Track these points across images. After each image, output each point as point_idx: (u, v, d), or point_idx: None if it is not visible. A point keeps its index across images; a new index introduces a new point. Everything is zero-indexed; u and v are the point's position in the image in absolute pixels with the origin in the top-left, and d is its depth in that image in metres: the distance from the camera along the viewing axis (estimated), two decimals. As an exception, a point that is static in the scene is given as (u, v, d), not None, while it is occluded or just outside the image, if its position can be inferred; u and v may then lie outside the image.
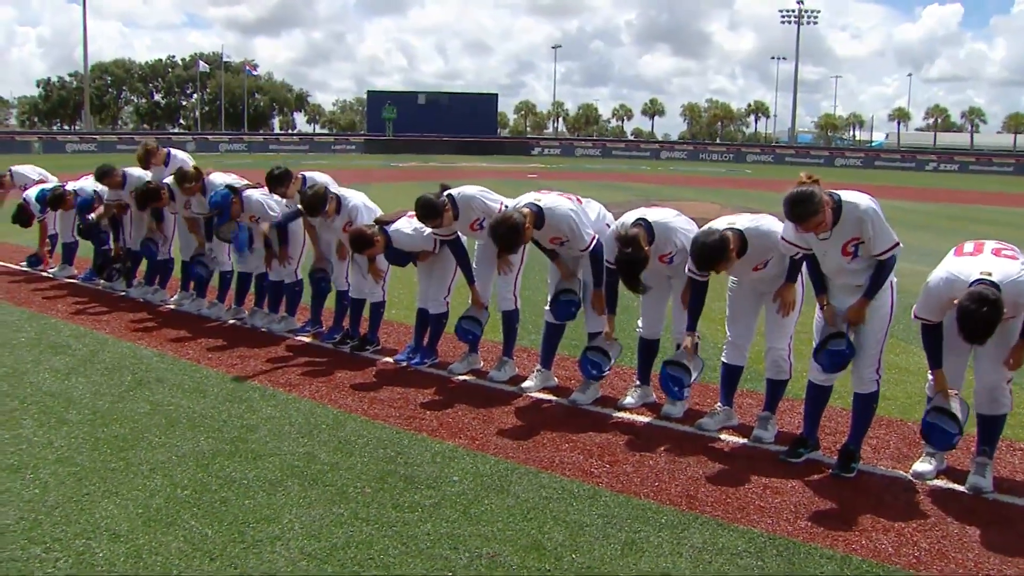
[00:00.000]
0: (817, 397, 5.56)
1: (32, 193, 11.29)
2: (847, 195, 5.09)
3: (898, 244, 5.10)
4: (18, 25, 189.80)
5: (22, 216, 11.47)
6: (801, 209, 4.93)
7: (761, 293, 5.83)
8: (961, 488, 5.11)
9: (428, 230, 6.96)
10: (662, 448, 5.70)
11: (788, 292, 5.62)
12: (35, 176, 12.11)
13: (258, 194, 8.49)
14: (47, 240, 11.98)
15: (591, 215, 6.54)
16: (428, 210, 6.67)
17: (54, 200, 10.81)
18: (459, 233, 7.03)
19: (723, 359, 6.11)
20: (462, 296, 7.41)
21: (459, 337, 7.28)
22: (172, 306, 9.68)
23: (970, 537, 4.53)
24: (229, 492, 4.81)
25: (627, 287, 5.90)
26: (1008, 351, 4.98)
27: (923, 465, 5.32)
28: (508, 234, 6.16)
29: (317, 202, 7.50)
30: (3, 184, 12.28)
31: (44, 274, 11.73)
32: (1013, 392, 5.18)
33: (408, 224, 7.18)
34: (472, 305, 7.14)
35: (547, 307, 6.77)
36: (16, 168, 12.40)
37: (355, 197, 7.81)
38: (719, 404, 6.14)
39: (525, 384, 6.86)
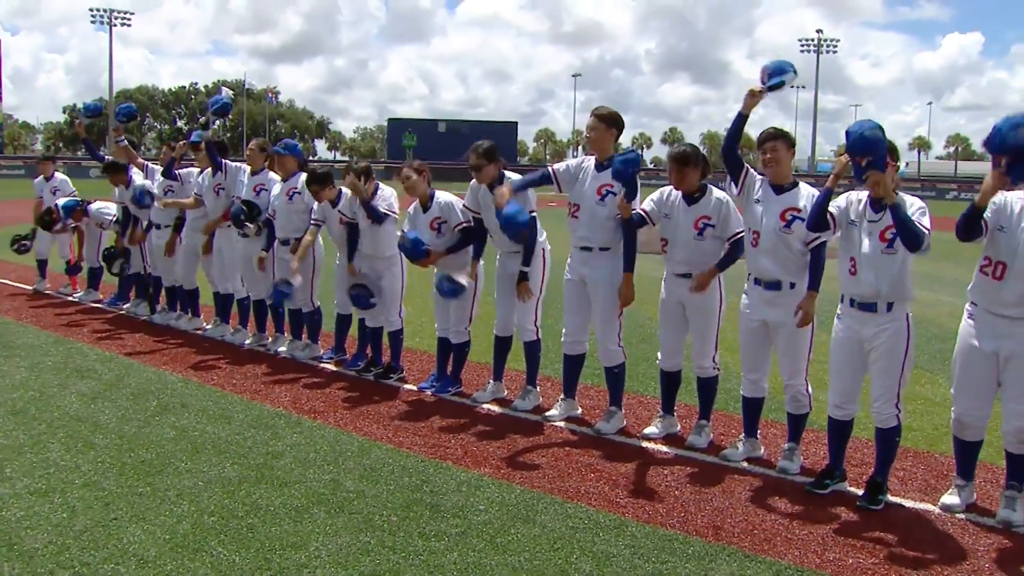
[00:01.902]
0: (838, 430, 5.54)
1: (62, 201, 11.50)
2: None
3: (929, 233, 4.95)
4: (46, 52, 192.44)
5: (46, 218, 11.57)
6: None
7: (771, 326, 5.76)
8: (991, 522, 5.06)
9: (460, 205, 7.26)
10: (687, 478, 5.67)
11: (810, 303, 5.55)
12: (71, 189, 12.54)
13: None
14: (77, 253, 12.15)
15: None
16: (490, 151, 7.01)
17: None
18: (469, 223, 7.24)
19: (742, 392, 6.09)
20: (485, 325, 7.42)
21: (439, 292, 7.21)
22: (196, 331, 9.74)
23: (1001, 571, 4.48)
24: (255, 519, 4.82)
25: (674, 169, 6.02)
26: None
27: (951, 498, 5.27)
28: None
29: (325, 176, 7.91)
30: (45, 169, 12.72)
31: (70, 299, 11.85)
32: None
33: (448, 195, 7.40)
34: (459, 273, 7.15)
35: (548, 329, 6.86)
36: (58, 173, 12.76)
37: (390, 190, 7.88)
38: (743, 435, 6.12)
39: (549, 413, 6.86)
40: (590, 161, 6.53)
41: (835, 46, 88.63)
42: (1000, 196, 4.89)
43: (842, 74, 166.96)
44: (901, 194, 5.02)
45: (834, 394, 5.45)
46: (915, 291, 5.26)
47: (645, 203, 6.27)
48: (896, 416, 5.28)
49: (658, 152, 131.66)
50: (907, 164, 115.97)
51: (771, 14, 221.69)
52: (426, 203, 7.36)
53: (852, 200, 5.32)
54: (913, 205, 4.99)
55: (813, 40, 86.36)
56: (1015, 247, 4.80)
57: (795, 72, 5.65)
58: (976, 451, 5.30)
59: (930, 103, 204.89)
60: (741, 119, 5.68)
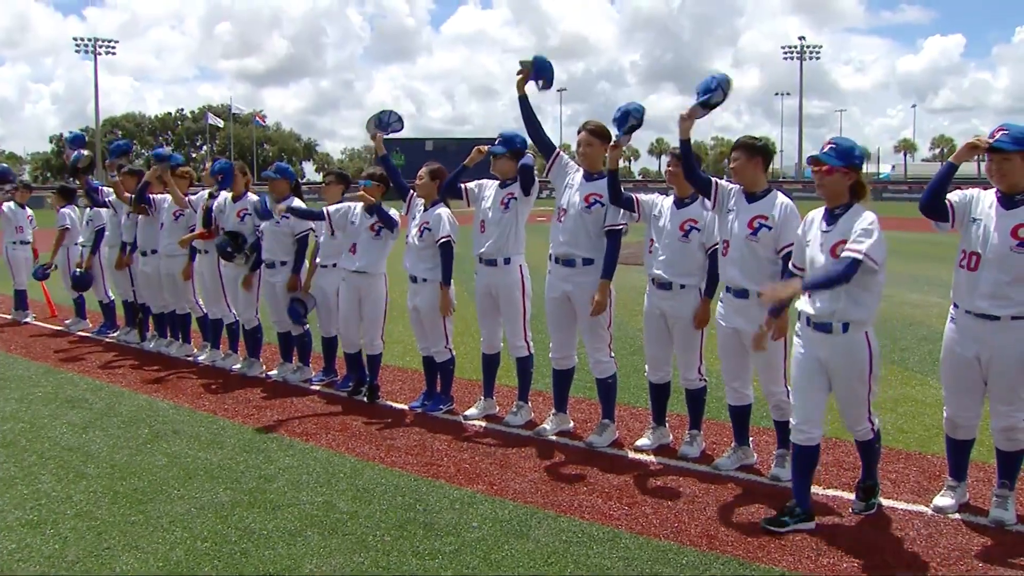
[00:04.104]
0: (801, 457, 5.12)
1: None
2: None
3: (865, 258, 4.69)
4: (31, 82, 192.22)
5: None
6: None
7: (742, 335, 5.67)
8: (984, 521, 5.07)
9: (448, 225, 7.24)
10: (680, 489, 5.68)
11: (704, 310, 5.69)
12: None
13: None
14: (52, 254, 12.21)
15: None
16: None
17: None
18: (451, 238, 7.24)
19: (727, 401, 6.09)
20: (476, 342, 7.42)
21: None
22: (187, 358, 9.73)
23: (995, 571, 4.48)
24: (249, 543, 4.81)
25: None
26: (1021, 387, 4.93)
27: (944, 499, 5.28)
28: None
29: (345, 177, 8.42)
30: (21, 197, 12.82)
31: (59, 328, 11.84)
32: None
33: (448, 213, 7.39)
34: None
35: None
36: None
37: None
38: (734, 443, 6.12)
39: (541, 428, 6.86)
40: (580, 171, 6.61)
41: (818, 52, 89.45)
42: (974, 190, 5.01)
43: (826, 80, 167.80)
44: (857, 206, 4.92)
45: (795, 414, 5.16)
46: (874, 311, 4.96)
47: (641, 195, 6.33)
48: (871, 430, 5.18)
49: (645, 163, 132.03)
50: (893, 167, 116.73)
51: (754, 23, 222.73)
52: (427, 207, 7.41)
53: (807, 220, 5.21)
54: (864, 220, 4.80)
55: (796, 47, 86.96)
56: (987, 237, 4.86)
57: (722, 86, 5.62)
58: (968, 450, 5.32)
59: (914, 105, 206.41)
60: (683, 145, 5.74)
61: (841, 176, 4.90)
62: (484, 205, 7.04)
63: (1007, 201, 4.86)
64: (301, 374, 8.68)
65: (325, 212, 7.98)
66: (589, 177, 6.52)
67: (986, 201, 4.95)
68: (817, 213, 5.13)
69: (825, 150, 4.96)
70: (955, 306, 5.10)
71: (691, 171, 5.80)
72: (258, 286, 8.79)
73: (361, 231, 7.71)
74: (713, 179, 5.79)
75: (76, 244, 11.82)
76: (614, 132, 6.21)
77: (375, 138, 7.62)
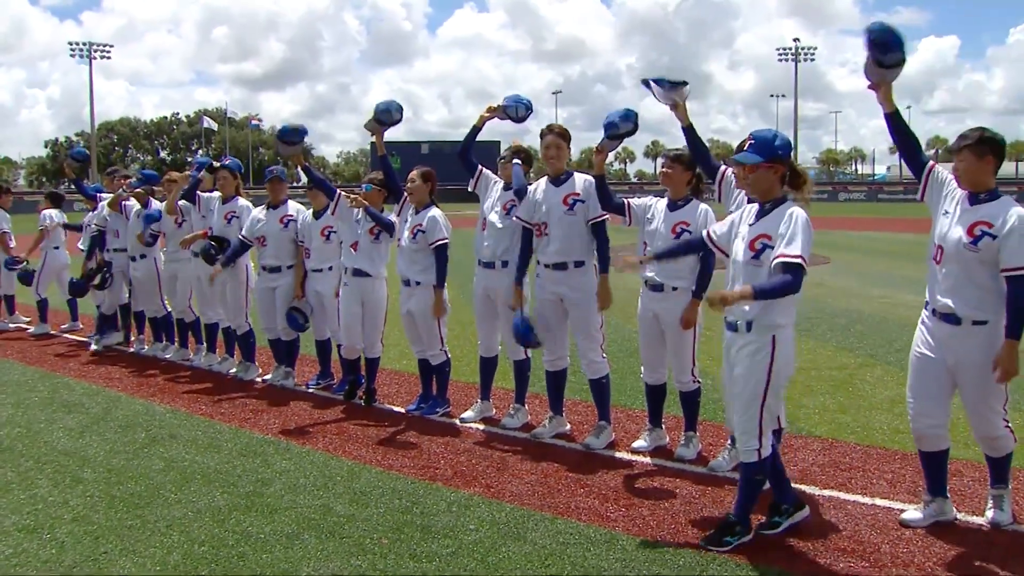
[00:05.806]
0: (745, 470, 4.87)
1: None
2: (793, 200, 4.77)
3: (803, 261, 4.46)
4: (27, 87, 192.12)
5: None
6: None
7: None
8: (980, 521, 5.08)
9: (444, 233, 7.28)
10: (677, 490, 5.68)
11: (691, 311, 5.75)
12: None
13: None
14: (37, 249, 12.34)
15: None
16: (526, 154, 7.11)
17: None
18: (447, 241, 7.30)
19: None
20: (472, 345, 7.42)
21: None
22: (184, 361, 9.74)
23: (992, 571, 4.49)
24: (246, 547, 4.80)
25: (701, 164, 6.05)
26: (991, 395, 4.85)
27: (913, 513, 5.12)
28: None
29: None
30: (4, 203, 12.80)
31: (54, 332, 11.84)
32: (1013, 427, 4.98)
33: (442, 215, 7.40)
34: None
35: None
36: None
37: None
38: (728, 444, 6.12)
39: (537, 430, 6.86)
40: (542, 181, 6.69)
41: (812, 54, 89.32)
42: (955, 184, 4.91)
43: (822, 81, 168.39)
44: (788, 203, 4.71)
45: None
46: (788, 318, 4.71)
47: (633, 199, 6.35)
48: (756, 451, 4.71)
49: (641, 166, 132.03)
50: (888, 168, 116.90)
51: (749, 25, 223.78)
52: (419, 209, 7.41)
53: (745, 209, 5.01)
54: (790, 220, 4.57)
55: (791, 49, 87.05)
56: (949, 231, 4.81)
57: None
58: (941, 462, 5.09)
59: (909, 107, 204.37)
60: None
61: (765, 172, 4.69)
62: (486, 204, 7.05)
63: (972, 197, 4.81)
64: (293, 378, 8.71)
65: (338, 192, 7.92)
66: (557, 182, 6.57)
67: (959, 194, 4.87)
68: (753, 206, 4.92)
69: (745, 148, 4.79)
70: (925, 304, 5.00)
71: (704, 158, 5.97)
72: (247, 291, 8.90)
73: (363, 234, 7.72)
74: (722, 167, 5.82)
75: (55, 248, 12.04)
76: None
77: (377, 134, 7.60)
